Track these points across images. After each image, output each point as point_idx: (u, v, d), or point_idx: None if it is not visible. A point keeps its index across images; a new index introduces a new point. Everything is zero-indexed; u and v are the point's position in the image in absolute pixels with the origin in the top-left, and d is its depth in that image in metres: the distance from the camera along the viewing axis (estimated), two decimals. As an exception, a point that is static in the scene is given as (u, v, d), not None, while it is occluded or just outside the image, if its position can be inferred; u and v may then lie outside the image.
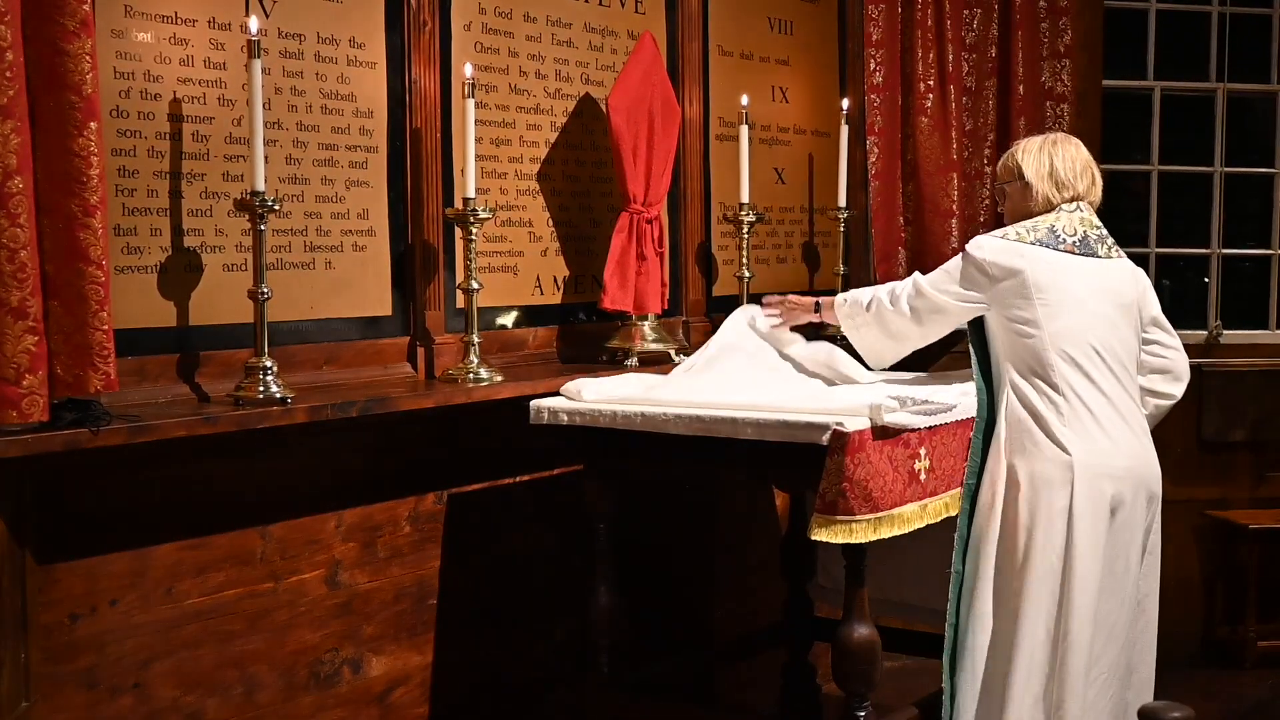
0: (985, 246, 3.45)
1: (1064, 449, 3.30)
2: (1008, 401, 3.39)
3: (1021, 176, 3.54)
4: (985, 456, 3.41)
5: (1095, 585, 3.30)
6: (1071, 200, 3.49)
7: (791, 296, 3.95)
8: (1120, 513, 3.36)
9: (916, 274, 3.59)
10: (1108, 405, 3.37)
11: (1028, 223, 3.47)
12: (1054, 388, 3.34)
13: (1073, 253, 3.41)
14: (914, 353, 3.74)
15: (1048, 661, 3.29)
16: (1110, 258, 3.48)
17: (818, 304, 3.82)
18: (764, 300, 3.95)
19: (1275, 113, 5.84)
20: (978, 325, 3.50)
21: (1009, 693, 3.29)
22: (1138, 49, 5.74)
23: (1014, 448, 3.36)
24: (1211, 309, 5.77)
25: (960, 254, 3.50)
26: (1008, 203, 3.62)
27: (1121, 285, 3.48)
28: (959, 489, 3.37)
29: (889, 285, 3.65)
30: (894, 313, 3.58)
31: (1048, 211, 3.49)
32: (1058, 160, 3.50)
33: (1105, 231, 3.52)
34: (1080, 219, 3.47)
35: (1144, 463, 3.43)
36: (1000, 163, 3.66)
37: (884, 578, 4.00)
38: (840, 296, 3.75)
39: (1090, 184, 3.53)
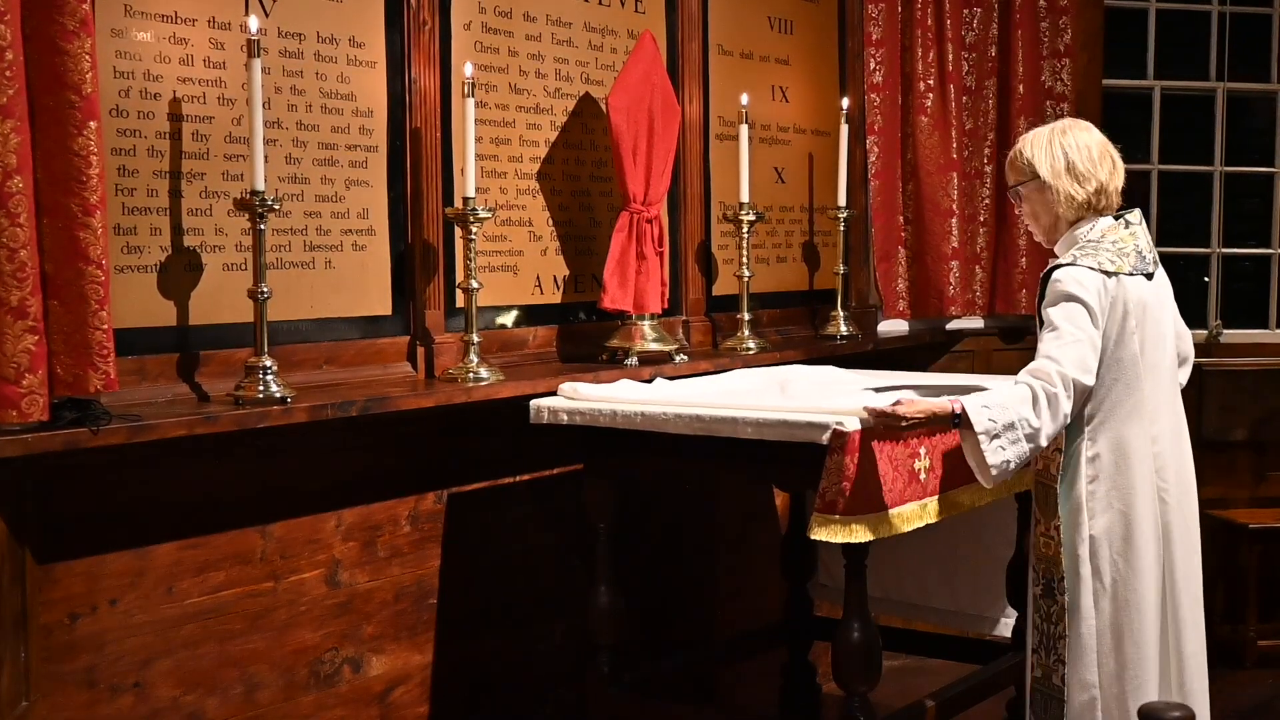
0: (1089, 286, 3.07)
1: (1153, 485, 3.17)
2: (1085, 449, 3.15)
3: (1035, 175, 3.20)
4: (1051, 506, 3.22)
5: (1194, 584, 3.26)
6: (1097, 193, 3.18)
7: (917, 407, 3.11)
8: (1189, 531, 3.29)
9: (1051, 368, 3.01)
10: (1174, 416, 3.28)
11: (1110, 244, 3.15)
12: (1144, 422, 3.15)
13: (1150, 274, 3.20)
14: (916, 352, 3.72)
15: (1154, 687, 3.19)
16: (1159, 268, 3.28)
17: (956, 417, 3.03)
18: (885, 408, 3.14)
19: (1275, 112, 5.84)
20: None
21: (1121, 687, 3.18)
22: (1138, 48, 5.74)
23: (1099, 496, 3.15)
24: (1212, 308, 5.77)
25: (1063, 297, 3.07)
26: (1027, 205, 3.27)
27: (1168, 295, 3.32)
28: (960, 488, 3.36)
29: (1025, 394, 3.00)
30: (1054, 423, 3.02)
31: (1091, 210, 3.20)
32: (1071, 151, 3.18)
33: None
34: (1146, 233, 3.25)
35: (1193, 476, 3.34)
36: (1008, 161, 3.31)
37: (884, 575, 4.01)
38: (982, 411, 2.99)
39: (1112, 169, 3.22)
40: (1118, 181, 3.25)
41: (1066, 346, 3.02)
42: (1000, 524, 3.74)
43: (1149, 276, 3.20)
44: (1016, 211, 3.46)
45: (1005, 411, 2.98)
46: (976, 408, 2.98)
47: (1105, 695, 3.19)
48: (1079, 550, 3.16)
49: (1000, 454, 2.97)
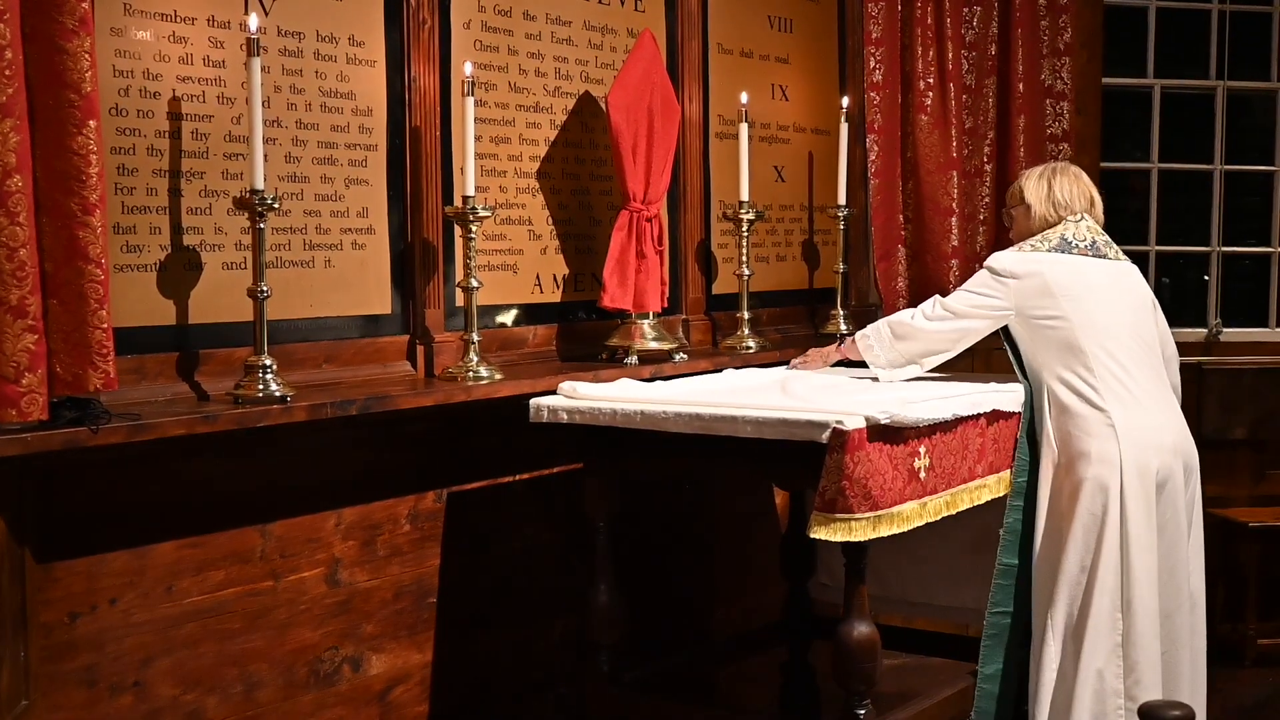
0: (1003, 258, 3.72)
1: (1112, 428, 3.51)
2: (1049, 397, 3.61)
3: (1024, 200, 3.83)
4: (1032, 453, 3.63)
5: (1153, 555, 3.52)
6: (1068, 219, 3.76)
7: (811, 350, 4.10)
8: (1169, 484, 3.58)
9: (937, 295, 3.80)
10: (1143, 388, 3.60)
11: (1038, 236, 3.75)
12: (1093, 373, 3.56)
13: (1085, 255, 3.68)
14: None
15: (1114, 630, 3.49)
16: (1119, 260, 3.75)
17: (840, 342, 3.99)
18: (790, 363, 4.10)
19: (1275, 110, 5.83)
20: (1010, 334, 3.72)
21: (1080, 665, 3.46)
22: (1138, 46, 5.73)
23: (1062, 437, 3.57)
24: (1211, 307, 5.77)
25: (982, 269, 3.74)
26: (1014, 226, 3.90)
27: (1134, 283, 3.77)
28: (960, 487, 3.37)
29: (909, 309, 3.82)
30: (915, 328, 3.72)
31: (1052, 227, 3.75)
32: (1055, 185, 3.80)
33: (1109, 239, 3.78)
34: (1087, 227, 3.75)
35: (1184, 437, 3.68)
36: (1008, 191, 3.97)
37: (885, 573, 4.02)
38: (860, 333, 3.84)
39: (1088, 206, 3.80)
40: (1093, 214, 3.79)
41: (957, 291, 3.76)
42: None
43: (1099, 258, 3.69)
44: (1010, 235, 3.97)
45: (877, 325, 3.81)
46: (858, 334, 3.82)
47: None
48: (1035, 476, 3.60)
49: (879, 360, 3.75)
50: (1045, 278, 3.62)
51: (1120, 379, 3.57)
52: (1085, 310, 3.60)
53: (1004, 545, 3.58)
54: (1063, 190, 3.79)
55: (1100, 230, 3.77)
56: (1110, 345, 3.58)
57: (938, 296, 3.79)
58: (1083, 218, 3.76)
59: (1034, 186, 3.83)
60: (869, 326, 3.83)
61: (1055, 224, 3.76)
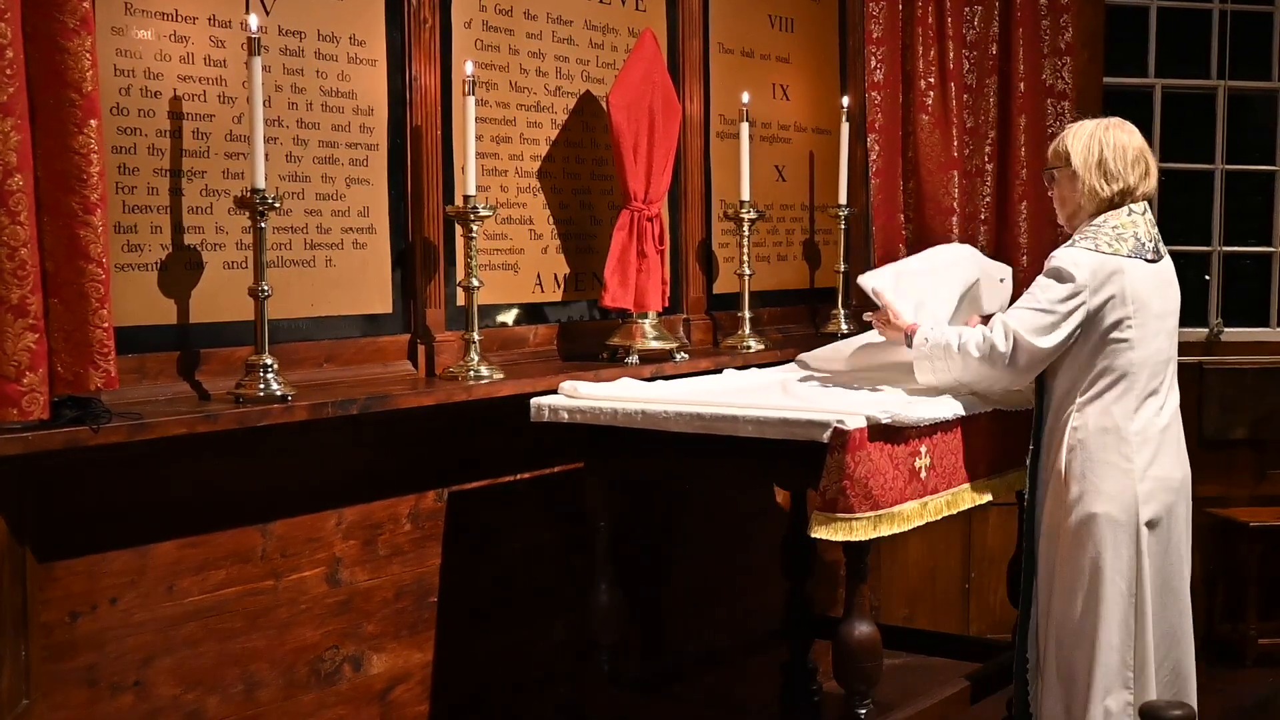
0: (1079, 260, 3.26)
1: (1131, 472, 3.30)
2: (1071, 422, 3.33)
3: (1069, 163, 3.36)
4: (1037, 483, 3.43)
5: (1159, 594, 3.38)
6: (1122, 193, 3.33)
7: (892, 310, 3.53)
8: (1173, 522, 3.41)
9: (1005, 321, 3.32)
10: (1165, 421, 3.39)
11: (1110, 229, 3.30)
12: (1125, 403, 3.31)
13: (1152, 261, 3.34)
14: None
15: (1125, 688, 3.34)
16: (1164, 257, 3.43)
17: (909, 337, 3.44)
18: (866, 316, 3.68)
19: (1276, 110, 5.83)
20: None
21: (1091, 701, 3.33)
22: (1139, 46, 5.74)
23: (1077, 473, 3.32)
24: (1212, 306, 5.77)
25: (1052, 273, 3.29)
26: (1056, 189, 3.44)
27: (1173, 292, 3.45)
28: (960, 487, 3.37)
29: (976, 332, 3.34)
30: (988, 368, 3.31)
31: (1111, 208, 3.34)
32: (1107, 150, 3.32)
33: (1158, 231, 3.43)
34: (1150, 221, 3.38)
35: (1188, 469, 3.48)
36: (1051, 146, 3.48)
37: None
38: (923, 334, 3.40)
39: (1144, 175, 3.36)
40: (1146, 187, 3.39)
41: (1026, 311, 3.30)
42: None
43: (1151, 262, 3.35)
44: (1049, 193, 3.56)
45: (941, 343, 3.36)
46: (920, 334, 3.41)
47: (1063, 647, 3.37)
48: (1051, 515, 3.39)
49: (925, 374, 3.40)
50: (1125, 288, 3.25)
51: (1155, 413, 3.34)
52: (1144, 335, 3.29)
53: (1023, 591, 3.51)
54: (1115, 155, 3.31)
55: (1154, 221, 3.39)
56: (1147, 372, 3.32)
57: (1011, 328, 3.27)
58: (1146, 209, 3.36)
59: (1082, 149, 3.34)
60: (931, 337, 3.37)
61: (1111, 202, 3.32)
